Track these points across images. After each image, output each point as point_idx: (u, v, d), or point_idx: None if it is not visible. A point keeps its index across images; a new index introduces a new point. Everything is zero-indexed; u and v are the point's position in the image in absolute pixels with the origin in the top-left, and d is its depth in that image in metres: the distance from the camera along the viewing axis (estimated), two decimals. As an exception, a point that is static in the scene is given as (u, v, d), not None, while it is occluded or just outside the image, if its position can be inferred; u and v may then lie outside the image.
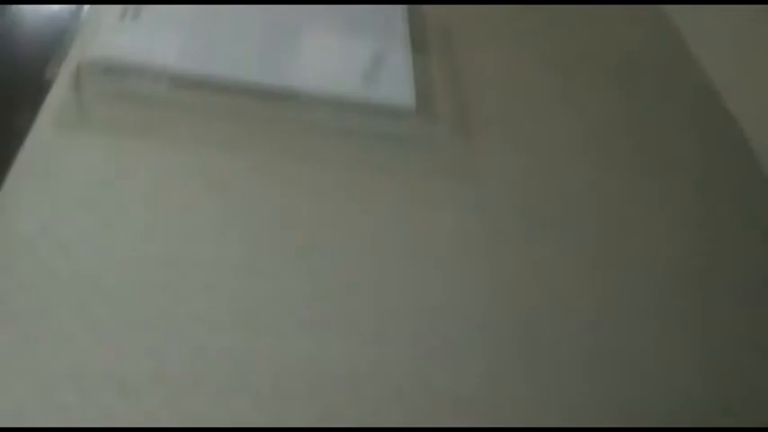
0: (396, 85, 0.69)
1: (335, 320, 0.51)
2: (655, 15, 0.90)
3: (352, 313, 0.52)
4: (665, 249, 0.62)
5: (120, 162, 0.59)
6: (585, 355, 0.53)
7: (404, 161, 0.64)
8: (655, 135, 0.73)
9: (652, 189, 0.68)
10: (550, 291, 0.57)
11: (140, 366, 0.46)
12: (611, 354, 0.54)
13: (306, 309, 0.52)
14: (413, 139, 0.66)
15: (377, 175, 0.62)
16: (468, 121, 0.69)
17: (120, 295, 0.50)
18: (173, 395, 0.45)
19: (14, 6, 0.70)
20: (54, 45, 0.66)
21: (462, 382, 0.50)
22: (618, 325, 0.56)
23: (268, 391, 0.47)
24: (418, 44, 0.74)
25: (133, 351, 0.47)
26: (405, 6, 0.78)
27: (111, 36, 0.67)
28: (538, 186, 0.65)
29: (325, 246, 0.56)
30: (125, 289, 0.50)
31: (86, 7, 0.70)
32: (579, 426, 0.49)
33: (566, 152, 0.69)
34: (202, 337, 0.49)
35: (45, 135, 0.59)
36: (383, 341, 0.51)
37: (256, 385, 0.47)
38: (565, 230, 0.62)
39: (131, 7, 0.69)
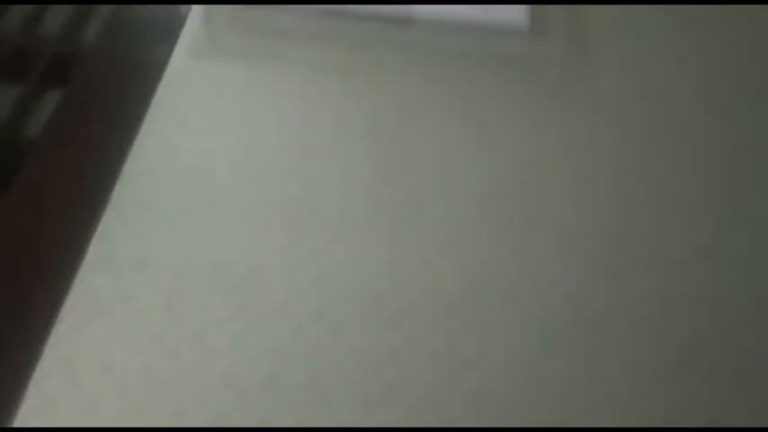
0: (509, 6, 0.70)
1: (473, 224, 0.54)
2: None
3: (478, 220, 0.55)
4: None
5: (251, 85, 0.63)
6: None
7: (518, 80, 0.65)
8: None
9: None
10: (670, 200, 0.57)
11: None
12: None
13: (443, 213, 0.55)
14: (527, 58, 0.67)
15: (493, 94, 0.64)
16: (581, 41, 0.69)
17: (247, 201, 0.55)
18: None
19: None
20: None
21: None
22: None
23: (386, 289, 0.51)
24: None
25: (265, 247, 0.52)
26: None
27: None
28: (651, 106, 0.64)
29: (453, 158, 0.59)
30: (254, 196, 0.55)
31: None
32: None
33: (678, 77, 0.67)
34: (326, 244, 0.53)
35: (182, 63, 0.64)
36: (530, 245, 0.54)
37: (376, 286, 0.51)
38: (681, 143, 0.61)
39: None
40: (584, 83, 0.66)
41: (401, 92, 0.63)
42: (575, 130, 0.62)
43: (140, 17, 0.69)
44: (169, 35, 0.66)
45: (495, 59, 0.66)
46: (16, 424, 0.44)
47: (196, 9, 0.68)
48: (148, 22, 0.68)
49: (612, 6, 0.73)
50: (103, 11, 0.69)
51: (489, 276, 0.52)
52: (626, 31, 0.71)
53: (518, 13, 0.69)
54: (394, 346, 0.48)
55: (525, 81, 0.65)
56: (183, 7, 0.68)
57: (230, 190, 0.55)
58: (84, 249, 0.51)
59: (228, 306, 0.49)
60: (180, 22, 0.67)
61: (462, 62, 0.66)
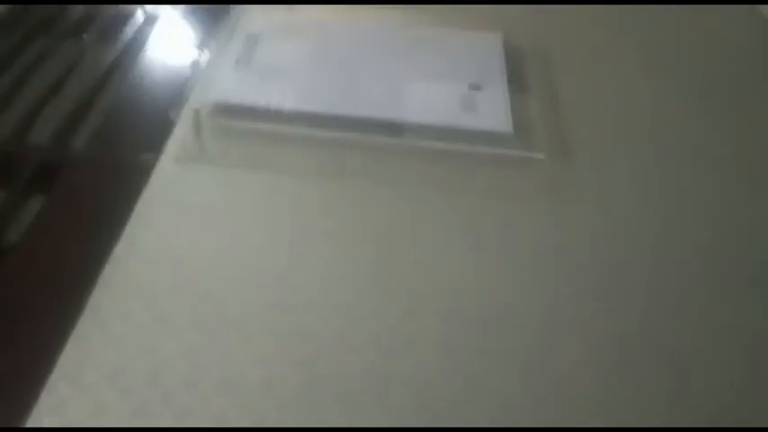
0: (493, 111, 0.71)
1: (436, 334, 0.53)
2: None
3: (450, 330, 0.53)
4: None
5: (236, 192, 0.63)
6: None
7: (503, 183, 0.65)
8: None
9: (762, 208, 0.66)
10: (650, 310, 0.56)
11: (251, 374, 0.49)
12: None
13: (402, 325, 0.53)
14: (512, 162, 0.67)
15: (479, 196, 0.64)
16: (565, 144, 0.70)
17: (233, 310, 0.53)
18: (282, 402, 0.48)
19: (144, 57, 0.77)
20: (176, 91, 0.73)
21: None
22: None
23: (373, 403, 0.49)
24: (515, 72, 0.76)
25: (245, 360, 0.50)
26: (500, 35, 0.80)
27: (226, 80, 0.72)
28: (635, 208, 0.64)
29: (431, 261, 0.58)
30: (238, 304, 0.54)
31: (205, 56, 0.76)
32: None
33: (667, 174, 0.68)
34: (310, 351, 0.51)
35: (169, 169, 0.64)
36: (486, 354, 0.52)
37: (363, 401, 0.49)
38: (662, 256, 0.61)
39: (244, 54, 0.75)
40: (568, 182, 0.66)
41: (390, 197, 0.63)
42: (565, 228, 0.61)
43: (129, 124, 0.70)
44: (156, 141, 0.67)
45: (481, 162, 0.67)
46: None
47: (185, 116, 0.69)
48: (137, 128, 0.69)
49: (593, 108, 0.74)
50: (94, 119, 0.71)
51: (481, 389, 0.50)
52: (608, 132, 0.72)
53: (502, 117, 0.70)
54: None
55: (512, 182, 0.66)
56: (172, 113, 0.69)
57: (212, 298, 0.54)
58: (58, 355, 0.49)
59: (205, 417, 0.47)
60: (168, 129, 0.68)
61: (450, 165, 0.66)
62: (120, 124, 0.70)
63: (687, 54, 0.84)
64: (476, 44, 0.80)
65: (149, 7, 0.87)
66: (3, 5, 0.85)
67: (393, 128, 0.69)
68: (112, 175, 0.64)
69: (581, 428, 0.46)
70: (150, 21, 0.84)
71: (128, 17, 0.84)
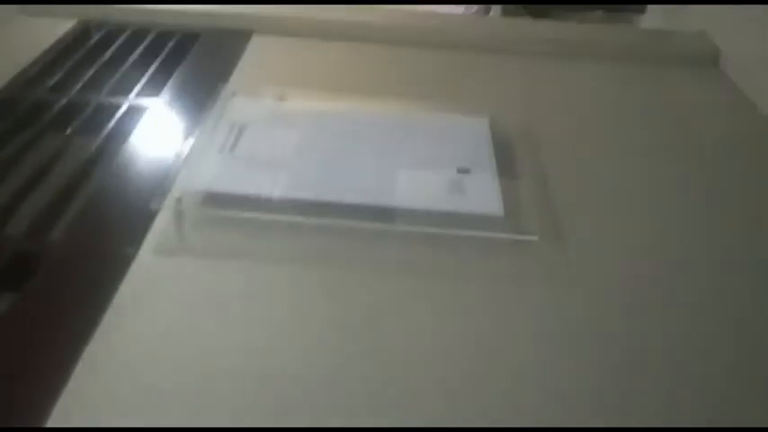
0: (483, 195, 0.69)
1: (431, 424, 0.50)
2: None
3: (444, 420, 0.50)
4: None
5: (218, 283, 0.61)
6: None
7: (496, 266, 0.63)
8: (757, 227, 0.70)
9: (744, 289, 0.63)
10: (647, 395, 0.53)
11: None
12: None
13: (392, 416, 0.50)
14: (503, 245, 0.65)
15: (471, 281, 0.62)
16: (557, 226, 0.68)
17: (214, 411, 0.50)
18: None
19: (128, 147, 0.76)
20: (159, 181, 0.71)
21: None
22: None
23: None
24: (503, 154, 0.75)
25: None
26: (487, 119, 0.80)
27: (210, 168, 0.71)
28: (632, 291, 0.62)
29: (422, 348, 0.55)
30: (218, 405, 0.50)
31: (189, 145, 0.75)
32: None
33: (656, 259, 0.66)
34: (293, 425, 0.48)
35: (148, 261, 0.62)
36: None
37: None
38: (660, 338, 0.58)
39: (229, 142, 0.74)
40: (562, 264, 0.64)
41: (380, 283, 0.61)
42: (560, 311, 0.59)
43: (109, 215, 0.68)
44: (137, 232, 0.65)
45: (472, 246, 0.65)
46: None
47: (167, 206, 0.68)
48: (117, 220, 0.67)
49: (583, 188, 0.73)
50: (73, 210, 0.69)
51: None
52: (599, 212, 0.71)
53: (493, 200, 0.69)
54: None
55: (504, 265, 0.64)
56: (153, 202, 0.68)
57: (186, 394, 0.51)
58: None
59: None
60: (149, 220, 0.66)
61: (441, 249, 0.65)
62: (99, 215, 0.68)
63: (671, 128, 0.84)
64: (463, 129, 0.79)
65: (134, 98, 0.86)
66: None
67: (383, 214, 0.67)
68: (90, 268, 0.62)
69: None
70: (135, 111, 0.84)
71: (112, 108, 0.84)
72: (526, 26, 1.12)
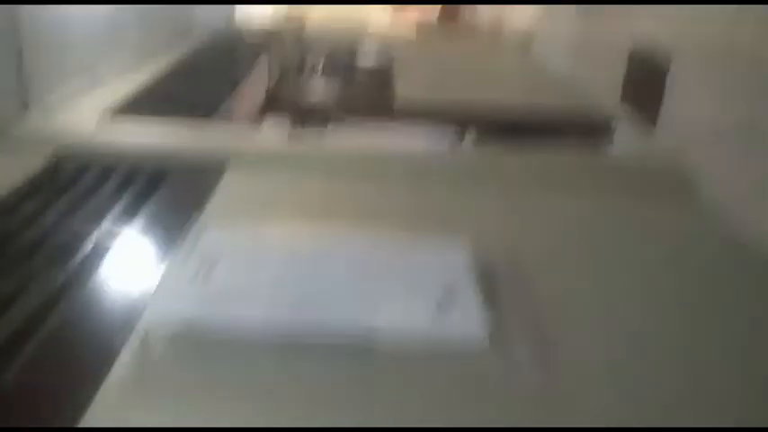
0: (466, 318, 0.67)
1: None
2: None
3: None
4: None
5: (182, 419, 0.56)
6: None
7: (482, 396, 0.60)
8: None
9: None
10: None
11: None
12: None
13: None
14: (488, 370, 0.62)
15: (457, 413, 0.58)
16: (544, 351, 0.65)
17: None
18: None
19: (94, 282, 0.73)
20: (125, 316, 0.67)
21: None
22: None
23: None
24: (484, 274, 0.73)
25: None
26: (469, 245, 0.79)
27: (178, 301, 0.68)
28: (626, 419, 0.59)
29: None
30: None
31: (158, 278, 0.72)
32: None
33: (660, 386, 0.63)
34: None
35: (109, 398, 0.57)
36: None
37: None
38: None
39: (200, 273, 0.71)
40: (553, 393, 0.60)
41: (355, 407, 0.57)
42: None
43: (69, 354, 0.64)
44: (98, 370, 0.60)
45: (457, 377, 0.61)
46: None
47: (132, 341, 0.63)
48: (77, 358, 0.63)
49: (569, 312, 0.71)
50: (29, 350, 0.64)
51: None
52: (588, 338, 0.68)
53: (477, 324, 0.66)
54: None
55: (491, 395, 0.60)
56: (117, 339, 0.64)
57: None
58: None
59: None
60: (112, 356, 0.62)
61: (423, 379, 0.61)
62: (58, 354, 0.63)
63: (653, 256, 0.84)
64: (443, 254, 0.77)
65: (104, 230, 0.84)
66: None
67: (362, 343, 0.64)
68: (44, 409, 0.56)
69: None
70: (102, 245, 0.81)
71: (79, 241, 0.81)
72: (499, 157, 1.14)
